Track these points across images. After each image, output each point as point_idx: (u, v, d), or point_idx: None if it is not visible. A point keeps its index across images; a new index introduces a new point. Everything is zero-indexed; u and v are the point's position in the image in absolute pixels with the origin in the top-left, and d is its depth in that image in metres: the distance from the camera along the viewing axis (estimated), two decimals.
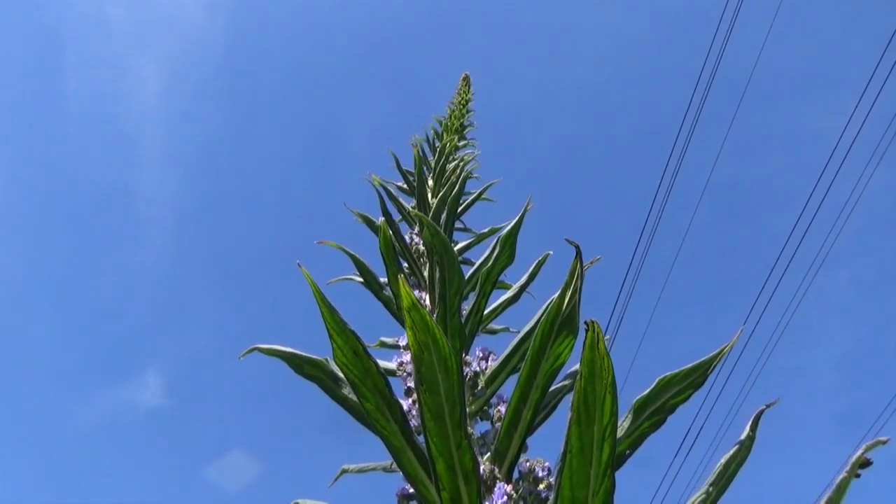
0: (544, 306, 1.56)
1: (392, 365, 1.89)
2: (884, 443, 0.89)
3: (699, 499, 1.25)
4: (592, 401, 0.96)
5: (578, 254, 1.40)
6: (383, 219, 1.67)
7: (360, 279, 2.25)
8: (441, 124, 3.64)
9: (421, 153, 2.87)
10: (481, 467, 1.34)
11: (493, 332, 2.23)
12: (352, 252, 2.05)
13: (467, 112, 3.79)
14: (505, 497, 1.27)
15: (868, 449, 0.88)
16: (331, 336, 1.34)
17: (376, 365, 1.33)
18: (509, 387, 1.77)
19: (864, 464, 0.89)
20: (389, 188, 2.68)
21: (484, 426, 1.74)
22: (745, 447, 1.33)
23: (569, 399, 1.76)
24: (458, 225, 2.78)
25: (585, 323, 0.95)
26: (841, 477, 0.87)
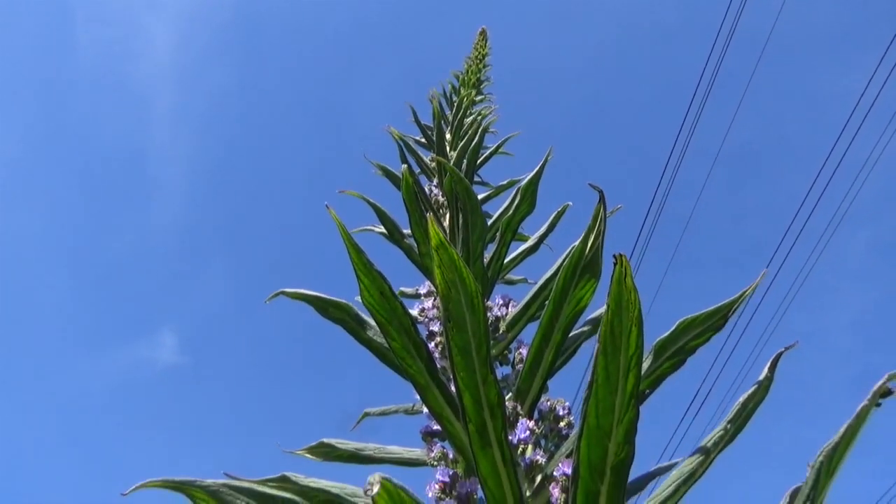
0: (567, 251, 1.58)
1: (413, 312, 1.92)
2: None
3: (717, 434, 1.28)
4: (619, 333, 0.98)
5: (602, 198, 1.41)
6: (405, 166, 1.68)
7: (380, 230, 2.27)
8: (458, 79, 3.62)
9: (439, 107, 2.86)
10: (506, 406, 1.37)
11: (512, 282, 2.26)
12: (373, 201, 2.07)
13: (484, 67, 3.76)
14: (528, 432, 1.31)
15: (890, 378, 0.90)
16: (358, 277, 1.37)
17: (402, 305, 1.36)
18: (529, 333, 1.80)
19: (886, 393, 0.92)
20: (408, 141, 2.68)
21: (504, 371, 1.78)
22: (763, 388, 1.36)
23: (588, 345, 1.80)
24: (475, 179, 2.78)
25: (614, 256, 0.97)
26: (862, 405, 0.89)
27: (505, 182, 2.58)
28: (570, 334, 1.70)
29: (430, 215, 1.16)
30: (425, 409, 1.57)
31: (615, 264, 0.97)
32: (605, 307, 0.98)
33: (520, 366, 1.62)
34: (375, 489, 0.57)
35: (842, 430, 0.89)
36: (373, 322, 1.66)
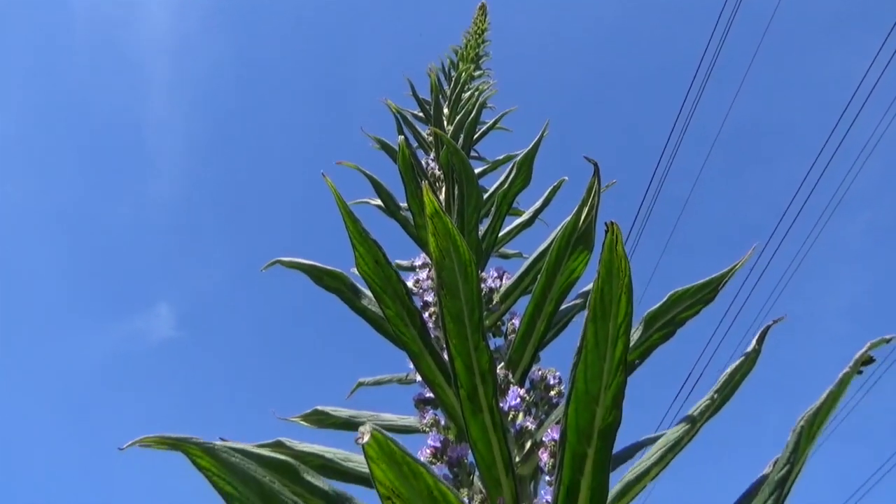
0: (561, 224, 1.59)
1: (408, 284, 1.94)
2: (887, 341, 0.93)
3: (704, 404, 1.31)
4: (609, 300, 1.00)
5: (596, 171, 1.42)
6: (402, 137, 1.68)
7: (377, 202, 2.28)
8: (457, 54, 3.60)
9: (437, 81, 2.85)
10: (497, 373, 1.39)
11: (507, 256, 2.27)
12: (369, 172, 2.08)
13: (483, 42, 3.74)
14: (518, 399, 1.33)
15: (872, 347, 0.92)
16: (353, 245, 1.38)
17: (397, 273, 1.37)
18: (522, 305, 1.82)
19: (867, 361, 0.94)
20: (405, 115, 2.68)
21: (497, 343, 1.80)
22: (751, 359, 1.38)
23: (580, 318, 1.82)
24: (472, 154, 2.78)
25: (606, 224, 0.98)
26: (844, 371, 0.91)
27: (501, 157, 2.58)
28: (563, 307, 1.72)
29: (425, 183, 1.17)
30: (418, 378, 1.59)
31: (607, 232, 0.99)
32: (596, 275, 1.00)
33: (512, 336, 1.64)
34: (366, 438, 0.59)
35: (823, 396, 0.91)
36: (367, 292, 1.67)
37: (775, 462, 1.11)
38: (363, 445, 0.59)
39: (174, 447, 0.90)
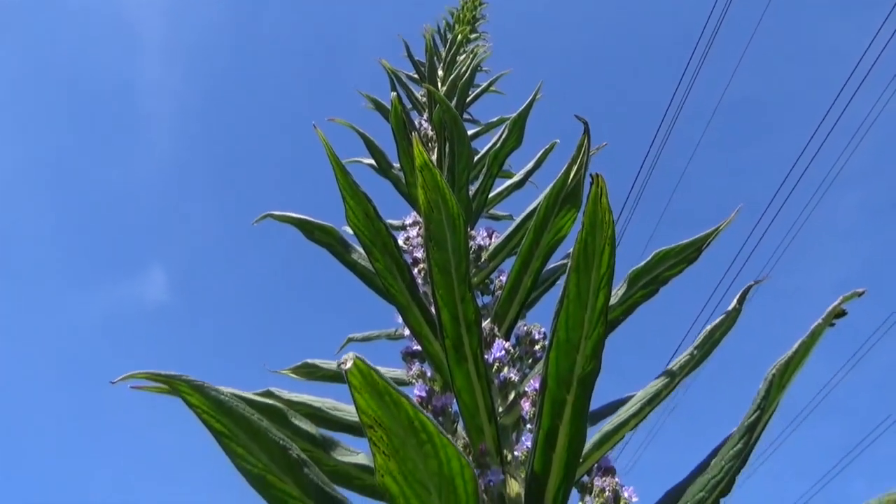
0: (551, 184, 1.61)
1: (399, 241, 1.96)
2: (860, 294, 0.95)
3: (683, 359, 1.34)
4: (592, 252, 1.02)
5: (586, 129, 1.43)
6: (395, 93, 1.68)
7: (369, 161, 2.28)
8: (453, 15, 3.57)
9: (432, 42, 2.83)
10: (482, 325, 1.42)
11: (497, 217, 2.29)
12: (362, 130, 2.08)
13: (480, 4, 3.71)
14: (503, 351, 1.36)
15: (844, 300, 0.95)
16: (344, 198, 1.40)
17: (386, 226, 1.39)
18: (510, 264, 1.84)
19: (840, 314, 0.97)
20: (399, 75, 2.66)
21: (485, 301, 1.83)
22: (731, 318, 1.42)
23: (565, 277, 1.84)
24: (466, 116, 2.78)
25: (591, 176, 1.00)
26: (816, 323, 0.94)
27: (495, 119, 2.58)
28: (549, 267, 1.75)
29: (414, 135, 1.18)
30: (406, 332, 1.62)
31: (592, 184, 1.00)
32: (580, 227, 1.02)
33: (499, 293, 1.66)
34: (349, 364, 0.61)
35: (795, 346, 0.94)
36: (358, 247, 1.69)
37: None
38: (346, 372, 0.62)
39: (164, 383, 0.93)
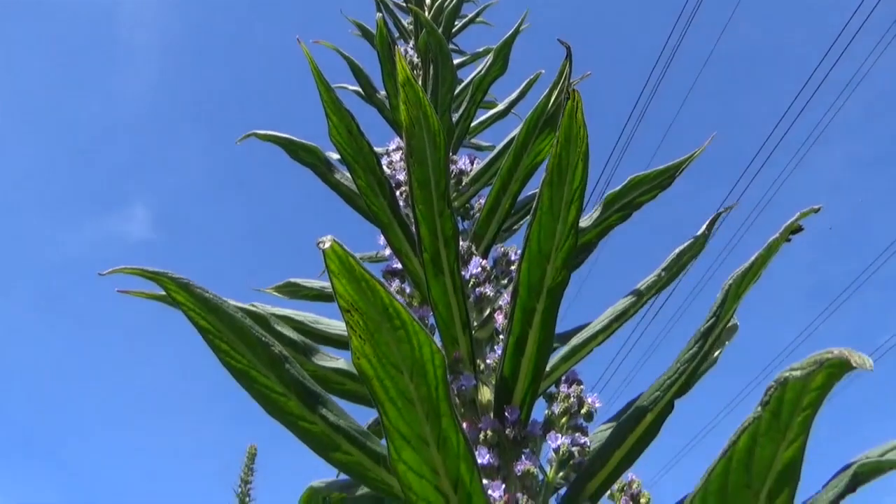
0: (532, 108, 1.63)
1: (383, 166, 1.98)
2: (816, 211, 1.01)
3: (651, 280, 1.40)
4: (566, 165, 1.06)
5: (569, 54, 1.45)
6: (380, 14, 1.68)
7: (355, 88, 2.28)
8: None
9: None
10: (460, 244, 1.47)
11: (480, 147, 2.31)
12: (347, 54, 2.07)
13: None
14: (480, 268, 1.41)
15: (801, 216, 1.00)
16: (327, 114, 1.41)
17: (369, 144, 1.42)
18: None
19: (796, 229, 1.02)
20: (387, 1, 2.63)
21: (466, 226, 1.87)
22: (699, 243, 1.47)
23: None
24: (452, 46, 2.76)
25: (567, 91, 1.03)
26: (773, 238, 0.99)
27: (481, 49, 2.57)
28: (528, 194, 1.79)
29: (397, 50, 1.19)
30: (388, 252, 1.67)
31: (567, 99, 1.03)
32: (554, 141, 1.06)
33: (478, 215, 1.70)
34: (327, 245, 0.65)
35: (752, 258, 1.00)
36: (342, 168, 1.72)
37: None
38: (324, 252, 0.66)
39: (151, 279, 0.97)
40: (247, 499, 5.02)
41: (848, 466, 0.96)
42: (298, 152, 1.66)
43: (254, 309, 1.27)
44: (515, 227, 1.84)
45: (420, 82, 2.15)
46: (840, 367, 0.52)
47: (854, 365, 0.49)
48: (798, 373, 0.53)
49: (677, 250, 1.44)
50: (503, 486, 1.04)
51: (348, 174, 1.53)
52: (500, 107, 2.12)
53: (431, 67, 1.76)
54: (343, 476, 1.56)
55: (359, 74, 2.09)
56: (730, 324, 1.48)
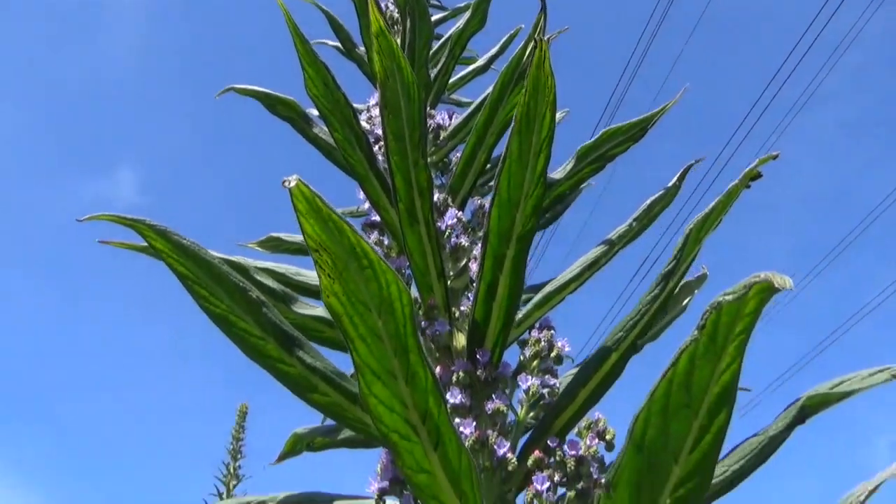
0: (507, 61, 1.64)
1: (361, 122, 1.99)
2: (774, 157, 1.04)
3: (623, 230, 1.44)
4: (534, 115, 1.08)
5: (543, 6, 1.46)
6: None
7: (334, 44, 2.27)
8: None
9: None
10: (436, 196, 1.50)
11: (460, 104, 2.32)
12: (326, 8, 2.07)
13: None
14: (455, 219, 1.44)
15: (760, 163, 1.03)
16: (303, 67, 1.42)
17: (345, 96, 1.43)
18: None
19: (755, 176, 1.05)
20: None
21: (444, 180, 1.90)
22: (670, 193, 1.51)
23: None
24: (433, 2, 2.74)
25: (535, 40, 1.05)
26: (733, 184, 1.03)
27: (462, 5, 2.56)
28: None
29: (371, 2, 1.20)
30: (367, 205, 1.69)
31: (534, 48, 1.05)
32: (523, 90, 1.08)
33: (455, 168, 1.73)
34: (292, 183, 0.68)
35: (712, 204, 1.03)
36: (321, 124, 1.73)
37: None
38: (289, 190, 0.69)
39: (129, 226, 0.99)
40: (238, 455, 5.14)
41: (797, 400, 1.02)
42: (277, 106, 1.67)
43: (234, 260, 1.30)
44: (493, 182, 1.87)
45: (399, 38, 2.15)
46: (768, 291, 0.55)
47: (777, 286, 0.53)
48: (731, 297, 0.57)
49: (648, 201, 1.48)
50: (474, 423, 1.09)
51: (326, 128, 1.55)
52: (480, 62, 2.12)
53: (409, 21, 1.76)
54: (328, 422, 1.62)
55: (338, 29, 2.09)
56: (699, 273, 1.54)
